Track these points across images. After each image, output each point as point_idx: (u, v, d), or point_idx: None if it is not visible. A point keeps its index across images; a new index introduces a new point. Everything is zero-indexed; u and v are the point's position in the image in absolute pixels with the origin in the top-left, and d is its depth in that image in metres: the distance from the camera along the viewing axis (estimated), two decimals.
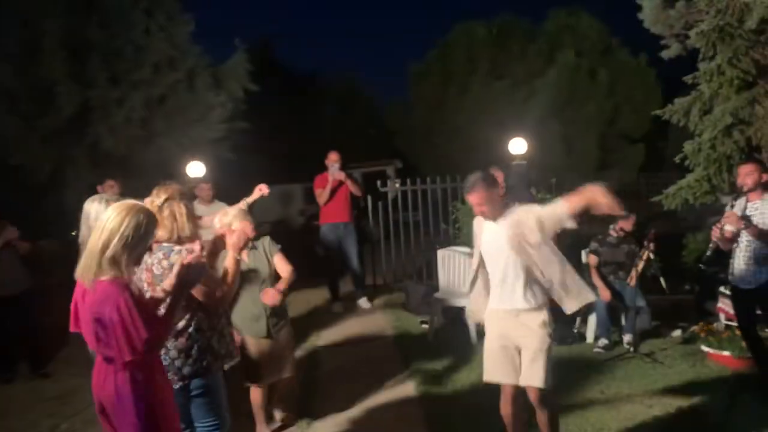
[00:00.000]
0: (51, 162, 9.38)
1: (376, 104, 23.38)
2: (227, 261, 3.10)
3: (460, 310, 6.62)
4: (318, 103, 21.42)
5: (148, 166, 9.62)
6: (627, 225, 6.18)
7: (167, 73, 9.81)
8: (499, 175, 6.33)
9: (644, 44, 7.59)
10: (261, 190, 5.59)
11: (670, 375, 5.15)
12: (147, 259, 2.83)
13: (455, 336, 6.38)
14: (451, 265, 6.90)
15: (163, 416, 2.53)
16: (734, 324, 5.48)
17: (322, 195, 7.81)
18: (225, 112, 10.37)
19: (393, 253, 9.31)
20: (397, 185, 10.17)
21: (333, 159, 7.81)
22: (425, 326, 6.76)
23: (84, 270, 2.44)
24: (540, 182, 8.42)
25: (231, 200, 5.65)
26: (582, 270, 6.24)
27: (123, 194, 4.93)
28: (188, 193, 3.29)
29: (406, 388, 5.13)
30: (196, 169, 7.28)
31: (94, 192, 5.39)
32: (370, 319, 7.51)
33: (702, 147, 6.32)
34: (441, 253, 6.99)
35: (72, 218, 3.70)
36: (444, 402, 4.78)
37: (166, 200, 3.00)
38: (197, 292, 2.88)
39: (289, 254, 7.93)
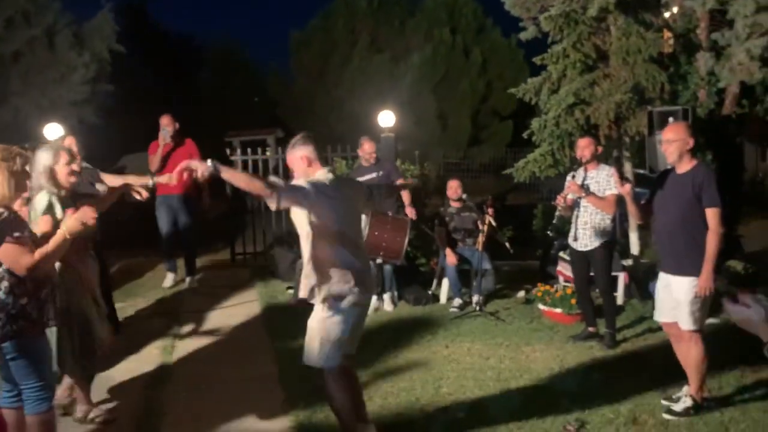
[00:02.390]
0: None
1: (259, 72, 22.97)
2: (56, 236, 3.02)
3: None
4: (195, 67, 20.75)
5: (3, 128, 9.02)
6: (452, 193, 6.64)
7: (23, 29, 9.19)
8: (370, 146, 6.61)
9: (513, 25, 8.09)
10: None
11: (509, 330, 5.67)
12: None
13: None
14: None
15: None
16: (570, 285, 6.11)
17: (152, 162, 7.08)
18: (88, 73, 9.85)
19: (267, 221, 9.37)
20: (268, 153, 10.20)
21: (164, 123, 7.16)
22: (290, 291, 6.94)
23: None
24: (406, 154, 8.76)
25: (95, 164, 5.48)
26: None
27: None
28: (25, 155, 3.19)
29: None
30: (54, 131, 6.96)
31: None
32: (240, 286, 7.56)
33: (547, 124, 6.87)
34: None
35: None
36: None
37: None
38: (2, 254, 2.86)
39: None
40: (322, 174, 3.36)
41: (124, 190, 4.35)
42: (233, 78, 21.44)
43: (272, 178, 3.29)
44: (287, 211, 3.32)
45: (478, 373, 4.65)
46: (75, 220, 3.01)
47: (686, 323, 3.82)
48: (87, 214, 3.02)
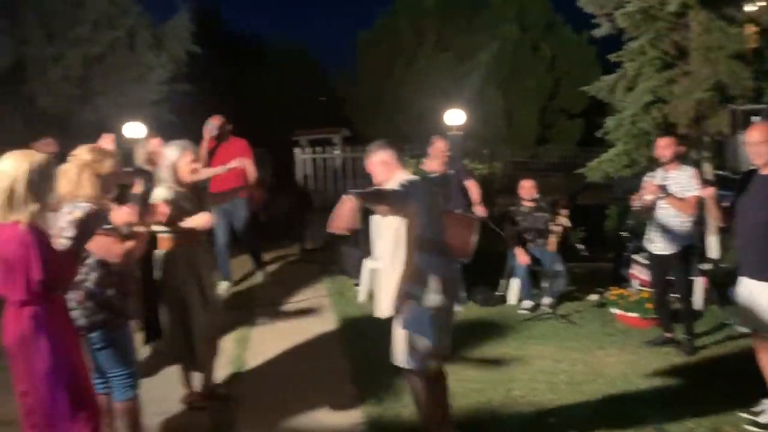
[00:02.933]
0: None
1: (326, 72, 23.23)
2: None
3: None
4: (264, 68, 21.17)
5: (86, 126, 9.45)
6: (525, 193, 6.52)
7: (106, 31, 9.59)
8: (442, 144, 6.57)
9: (585, 22, 7.92)
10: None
11: (581, 334, 5.55)
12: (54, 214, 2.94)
13: None
14: (383, 231, 7.12)
15: (66, 358, 2.64)
16: (645, 289, 5.94)
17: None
18: (165, 73, 10.22)
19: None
20: (336, 152, 10.32)
21: (213, 120, 7.06)
22: (357, 288, 7.01)
23: None
24: (474, 153, 8.70)
25: None
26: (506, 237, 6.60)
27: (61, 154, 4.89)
28: (120, 158, 3.33)
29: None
30: (134, 129, 7.23)
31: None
32: (309, 282, 7.69)
33: (623, 123, 6.69)
34: (374, 219, 7.18)
35: None
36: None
37: (81, 158, 3.09)
38: (95, 246, 2.99)
39: None
40: (404, 176, 3.35)
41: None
42: (301, 78, 21.75)
43: (388, 189, 3.28)
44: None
45: (549, 376, 4.58)
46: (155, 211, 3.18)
47: None
48: (164, 211, 3.18)
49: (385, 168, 3.39)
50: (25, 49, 9.02)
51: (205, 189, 4.61)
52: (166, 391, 4.27)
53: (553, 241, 6.18)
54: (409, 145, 9.27)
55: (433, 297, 3.24)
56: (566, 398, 4.18)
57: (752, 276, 3.75)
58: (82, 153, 3.12)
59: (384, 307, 3.35)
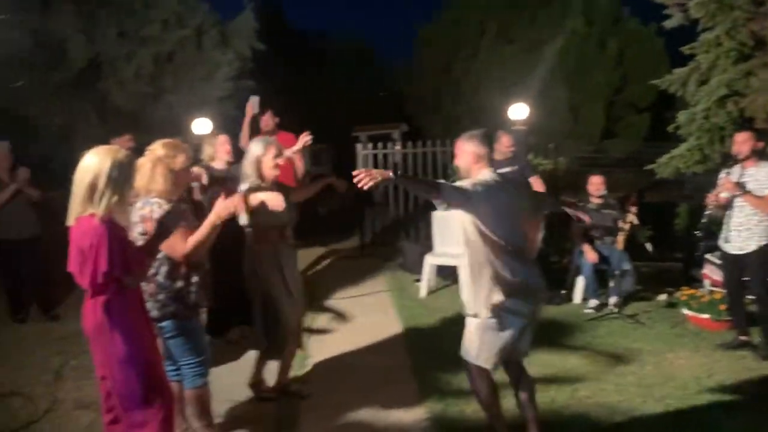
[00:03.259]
0: (61, 115, 9.54)
1: (385, 66, 23.26)
2: (205, 222, 3.15)
3: (454, 269, 6.88)
4: (326, 64, 21.39)
5: (157, 122, 9.78)
6: (594, 189, 6.35)
7: (175, 30, 9.89)
8: (508, 139, 6.48)
9: (653, 14, 7.65)
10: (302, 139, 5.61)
11: (650, 335, 5.39)
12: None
13: (449, 294, 6.67)
14: (445, 227, 7.10)
15: (140, 347, 2.72)
16: (718, 290, 5.71)
17: (242, 136, 6.93)
18: (231, 71, 10.46)
19: (394, 214, 9.53)
20: (397, 147, 10.32)
21: (255, 97, 7.09)
22: (419, 283, 7.01)
23: (72, 210, 2.66)
24: (539, 148, 8.55)
25: (236, 157, 5.79)
26: (572, 234, 6.47)
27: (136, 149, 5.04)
28: (191, 155, 3.39)
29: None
30: (202, 126, 7.43)
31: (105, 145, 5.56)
32: (369, 276, 7.75)
33: (696, 117, 6.43)
34: (436, 215, 7.18)
35: None
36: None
37: (155, 153, 3.17)
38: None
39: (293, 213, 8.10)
40: (487, 175, 3.27)
41: (331, 183, 4.59)
42: (360, 73, 21.88)
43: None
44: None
45: (617, 377, 4.47)
46: (224, 206, 3.13)
47: None
48: (235, 201, 3.15)
49: (473, 159, 3.30)
50: (100, 48, 9.39)
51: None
52: (234, 379, 4.38)
53: (621, 240, 6.02)
54: None
55: (507, 302, 3.17)
56: (634, 401, 4.06)
57: None
58: (156, 148, 3.22)
59: (467, 305, 3.32)
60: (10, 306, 6.11)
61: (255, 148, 3.97)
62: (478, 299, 3.22)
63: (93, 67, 9.49)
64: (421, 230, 9.21)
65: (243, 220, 3.74)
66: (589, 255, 6.14)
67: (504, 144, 6.37)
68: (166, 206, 3.04)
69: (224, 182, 4.90)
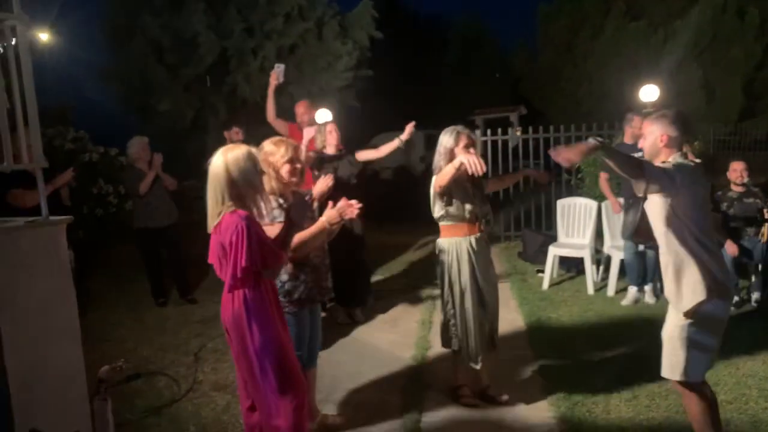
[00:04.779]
0: (193, 108, 10.13)
1: (502, 47, 22.81)
2: (317, 224, 3.17)
3: (579, 261, 6.64)
4: (441, 47, 21.28)
5: (280, 113, 10.14)
6: (736, 176, 5.84)
7: (298, 23, 10.19)
8: (639, 121, 6.11)
9: None
10: (410, 128, 5.56)
11: None
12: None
13: (572, 287, 6.46)
14: (570, 216, 6.86)
15: (274, 339, 2.82)
16: None
17: (267, 108, 6.47)
18: (351, 60, 10.64)
19: (516, 202, 9.32)
20: (518, 133, 10.07)
21: (281, 64, 6.59)
22: (541, 274, 6.83)
23: (211, 210, 2.78)
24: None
25: (353, 144, 5.91)
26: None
27: (249, 141, 5.23)
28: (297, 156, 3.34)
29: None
30: (324, 116, 7.61)
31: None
32: None
33: None
34: (561, 204, 6.95)
35: None
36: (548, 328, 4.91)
37: (269, 152, 3.24)
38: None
39: (408, 199, 8.15)
40: (678, 158, 2.95)
41: (530, 174, 4.40)
42: (477, 55, 21.58)
43: (644, 159, 2.96)
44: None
45: (762, 381, 4.13)
46: (335, 211, 3.14)
47: None
48: (347, 208, 3.14)
49: (664, 141, 2.97)
50: (228, 43, 9.86)
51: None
52: (358, 368, 4.49)
53: (766, 231, 5.54)
54: (588, 122, 8.82)
55: (706, 297, 2.87)
56: None
57: None
58: (265, 145, 3.30)
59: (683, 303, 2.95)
60: (152, 291, 6.60)
61: (446, 139, 3.77)
62: (678, 294, 2.93)
63: (221, 62, 9.98)
64: (543, 219, 8.97)
65: (435, 212, 3.79)
66: (729, 248, 5.69)
67: (636, 126, 6.02)
68: (295, 198, 3.11)
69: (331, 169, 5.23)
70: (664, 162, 2.96)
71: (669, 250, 2.94)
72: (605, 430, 3.58)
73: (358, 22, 10.87)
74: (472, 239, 3.79)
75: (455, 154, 3.69)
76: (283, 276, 3.30)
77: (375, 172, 13.56)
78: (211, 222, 2.78)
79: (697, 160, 3.00)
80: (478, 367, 3.90)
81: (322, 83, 10.18)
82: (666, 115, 3.00)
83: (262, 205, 2.89)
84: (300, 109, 6.35)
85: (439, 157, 3.77)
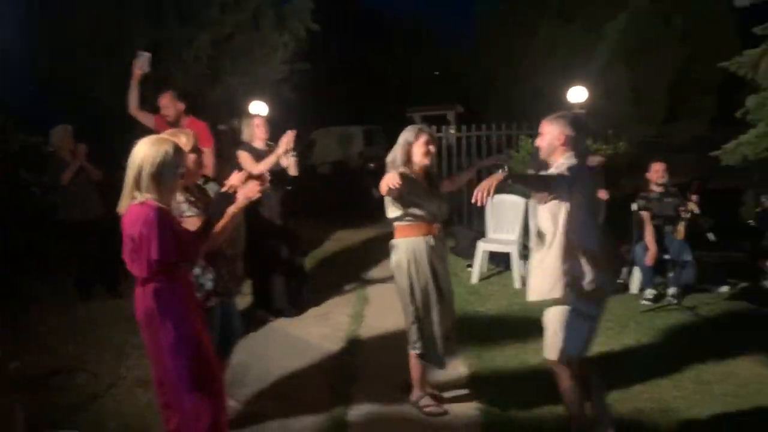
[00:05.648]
0: (124, 98, 9.79)
1: (442, 46, 23.01)
2: (227, 212, 3.10)
3: (506, 256, 6.81)
4: (383, 44, 21.32)
5: (215, 105, 9.97)
6: (656, 177, 6.14)
7: (234, 12, 10.01)
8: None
9: None
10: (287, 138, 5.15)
11: (710, 329, 5.21)
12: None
13: (500, 281, 6.63)
14: (499, 213, 7.02)
15: (190, 334, 2.76)
16: None
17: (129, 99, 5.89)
18: (287, 53, 10.53)
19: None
20: (452, 131, 10.22)
21: (145, 53, 5.88)
22: (470, 269, 6.97)
23: (123, 197, 2.71)
24: (597, 133, 8.32)
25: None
26: (630, 223, 6.29)
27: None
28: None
29: None
30: (258, 108, 7.52)
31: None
32: None
33: (766, 102, 6.13)
34: (489, 201, 7.07)
35: None
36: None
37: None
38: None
39: (347, 194, 8.12)
40: (572, 158, 3.19)
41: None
42: (418, 53, 21.73)
43: (548, 174, 3.18)
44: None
45: (674, 372, 4.34)
46: (242, 195, 3.14)
47: None
48: (252, 189, 3.14)
49: (560, 141, 3.22)
50: (161, 32, 9.59)
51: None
52: (287, 361, 4.47)
53: (681, 229, 5.82)
54: (526, 123, 9.03)
55: (590, 287, 3.14)
56: (692, 398, 3.94)
57: None
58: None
59: (539, 291, 3.26)
60: (76, 284, 6.38)
61: (406, 135, 3.74)
62: (561, 284, 3.14)
63: (155, 50, 9.69)
64: (475, 215, 9.13)
65: (391, 212, 3.72)
66: (650, 253, 5.92)
67: None
68: (216, 190, 3.08)
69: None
70: (559, 161, 3.21)
71: (552, 246, 3.16)
72: (527, 420, 3.69)
73: (295, 13, 10.74)
74: (431, 239, 3.74)
75: (412, 150, 3.72)
76: (195, 270, 3.26)
77: (312, 167, 13.50)
78: (122, 204, 2.71)
79: (596, 159, 3.24)
80: (443, 369, 3.93)
81: (258, 75, 10.05)
82: (564, 116, 3.27)
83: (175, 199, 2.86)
84: (163, 101, 5.62)
85: (396, 151, 3.76)
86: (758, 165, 7.59)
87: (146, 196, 2.66)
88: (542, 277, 3.21)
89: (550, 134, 3.25)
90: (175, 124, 5.39)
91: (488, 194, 2.88)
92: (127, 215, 2.67)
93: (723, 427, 3.59)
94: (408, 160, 3.72)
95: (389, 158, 3.78)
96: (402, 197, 3.62)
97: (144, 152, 2.71)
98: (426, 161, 3.75)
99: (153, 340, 2.74)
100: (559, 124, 3.24)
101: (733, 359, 4.54)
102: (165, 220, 2.64)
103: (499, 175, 2.91)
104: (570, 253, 3.13)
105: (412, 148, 3.72)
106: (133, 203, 2.67)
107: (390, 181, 3.39)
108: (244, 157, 5.34)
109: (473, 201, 2.90)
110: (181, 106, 5.64)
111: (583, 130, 3.38)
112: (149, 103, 5.88)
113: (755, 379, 4.21)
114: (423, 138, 3.73)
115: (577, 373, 3.27)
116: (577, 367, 3.28)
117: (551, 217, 3.17)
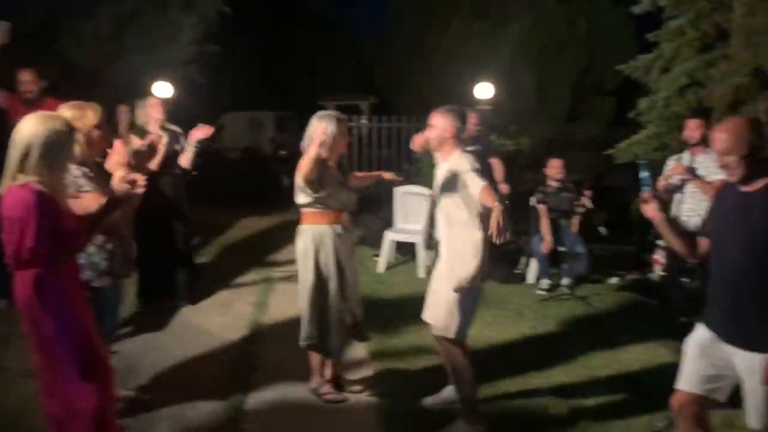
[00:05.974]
0: (12, 73, 9.17)
1: (357, 36, 22.98)
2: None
3: (413, 246, 6.92)
4: (297, 32, 21.04)
5: (119, 83, 9.50)
6: (553, 173, 6.43)
7: None
8: (476, 118, 6.46)
9: None
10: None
11: (599, 317, 5.52)
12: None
13: (406, 270, 6.73)
14: (407, 204, 7.12)
15: (73, 322, 2.61)
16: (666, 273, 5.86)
17: None
18: (195, 34, 10.21)
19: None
20: (364, 121, 10.25)
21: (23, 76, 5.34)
22: (377, 258, 7.04)
23: (4, 178, 2.52)
24: (502, 129, 8.58)
25: (198, 122, 5.56)
26: (530, 215, 6.55)
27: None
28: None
29: None
30: (162, 89, 7.25)
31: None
32: None
33: (656, 104, 6.53)
34: (398, 192, 7.18)
35: None
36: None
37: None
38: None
39: (257, 181, 7.95)
40: (467, 149, 3.38)
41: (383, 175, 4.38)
42: (332, 42, 21.59)
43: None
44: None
45: (564, 358, 4.56)
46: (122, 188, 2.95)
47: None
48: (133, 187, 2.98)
49: (450, 133, 3.36)
50: (56, 5, 9.04)
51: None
52: (184, 351, 4.35)
53: (575, 222, 6.12)
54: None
55: (479, 270, 3.31)
56: (580, 381, 4.16)
57: (728, 339, 2.54)
58: (63, 110, 3.05)
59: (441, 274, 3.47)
60: None
61: (330, 127, 3.60)
62: (461, 269, 3.32)
63: (48, 24, 9.13)
64: (383, 205, 9.19)
65: (301, 199, 3.63)
66: (545, 244, 6.19)
67: (471, 122, 6.34)
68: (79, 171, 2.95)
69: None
70: (453, 154, 3.38)
71: (457, 233, 3.35)
72: (429, 411, 3.77)
73: None
74: (338, 227, 3.70)
75: (335, 140, 3.62)
76: (90, 248, 3.11)
77: (218, 152, 13.16)
78: (2, 186, 2.52)
79: (469, 148, 3.41)
80: (340, 358, 3.92)
81: (163, 55, 9.66)
82: (453, 110, 3.40)
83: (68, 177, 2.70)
84: (24, 76, 5.16)
85: (312, 141, 3.55)
86: (651, 163, 8.09)
87: (29, 178, 2.47)
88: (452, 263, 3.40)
89: (441, 127, 3.37)
90: (33, 102, 5.02)
91: (505, 229, 2.92)
92: (6, 196, 2.48)
93: (606, 408, 3.80)
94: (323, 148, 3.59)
95: (304, 146, 3.68)
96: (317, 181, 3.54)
97: (32, 130, 2.50)
98: (344, 150, 3.82)
99: (33, 328, 2.57)
100: (449, 117, 3.36)
101: (620, 346, 4.82)
102: (46, 206, 2.46)
103: (501, 207, 2.96)
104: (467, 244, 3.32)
105: (335, 137, 3.63)
106: (14, 184, 2.48)
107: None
108: (119, 149, 4.74)
109: (494, 240, 2.96)
110: (44, 84, 5.28)
111: (487, 123, 3.60)
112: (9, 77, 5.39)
113: (638, 364, 4.49)
114: (344, 128, 3.74)
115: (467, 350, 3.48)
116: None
117: (455, 208, 3.32)
